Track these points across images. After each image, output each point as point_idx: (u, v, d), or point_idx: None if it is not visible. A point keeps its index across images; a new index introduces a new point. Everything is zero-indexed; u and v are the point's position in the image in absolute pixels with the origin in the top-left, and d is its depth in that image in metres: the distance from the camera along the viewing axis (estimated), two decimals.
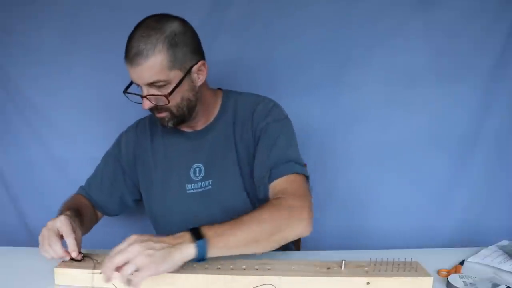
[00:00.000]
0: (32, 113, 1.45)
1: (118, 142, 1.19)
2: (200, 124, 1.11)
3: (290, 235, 0.90)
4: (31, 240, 1.50)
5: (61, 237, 0.91)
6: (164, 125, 1.05)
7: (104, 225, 1.22)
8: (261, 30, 1.38)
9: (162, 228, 1.18)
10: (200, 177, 1.09)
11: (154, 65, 0.93)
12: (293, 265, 0.90)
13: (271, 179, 0.99)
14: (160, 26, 0.94)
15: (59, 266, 0.91)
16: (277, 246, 0.89)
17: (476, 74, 1.37)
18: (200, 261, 0.82)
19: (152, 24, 0.94)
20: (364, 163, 1.44)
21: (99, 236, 1.14)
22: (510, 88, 1.38)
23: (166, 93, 0.96)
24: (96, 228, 1.16)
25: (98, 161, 1.20)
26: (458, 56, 1.36)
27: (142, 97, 0.98)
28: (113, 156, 1.18)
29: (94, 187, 1.16)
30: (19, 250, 1.15)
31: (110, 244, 1.16)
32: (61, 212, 0.98)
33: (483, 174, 1.43)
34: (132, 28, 0.95)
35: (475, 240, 1.23)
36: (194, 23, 1.35)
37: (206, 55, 1.39)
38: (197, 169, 1.09)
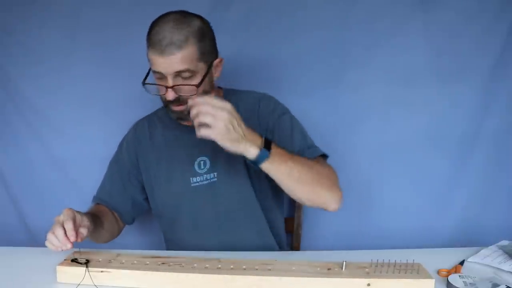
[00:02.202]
0: (32, 113, 1.44)
1: (120, 147, 1.21)
2: None
3: (325, 198, 0.99)
4: (31, 240, 1.50)
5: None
6: (181, 118, 1.06)
7: None
8: (261, 30, 1.38)
9: (168, 223, 1.18)
10: (205, 170, 1.11)
11: (188, 55, 0.96)
12: (293, 265, 0.90)
13: None
14: (189, 20, 0.98)
15: (61, 264, 0.91)
16: (309, 198, 0.98)
17: (476, 74, 1.37)
18: (253, 163, 0.90)
19: (180, 18, 0.98)
20: (364, 163, 1.44)
21: None
22: (510, 88, 1.38)
23: (191, 84, 0.98)
24: None
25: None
26: (458, 56, 1.36)
27: (167, 87, 0.98)
28: (116, 161, 1.19)
29: (104, 195, 1.17)
30: (19, 250, 1.14)
31: (112, 244, 1.16)
32: None
33: (482, 174, 1.43)
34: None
35: (475, 240, 1.23)
36: None
37: None
38: (202, 162, 1.11)
